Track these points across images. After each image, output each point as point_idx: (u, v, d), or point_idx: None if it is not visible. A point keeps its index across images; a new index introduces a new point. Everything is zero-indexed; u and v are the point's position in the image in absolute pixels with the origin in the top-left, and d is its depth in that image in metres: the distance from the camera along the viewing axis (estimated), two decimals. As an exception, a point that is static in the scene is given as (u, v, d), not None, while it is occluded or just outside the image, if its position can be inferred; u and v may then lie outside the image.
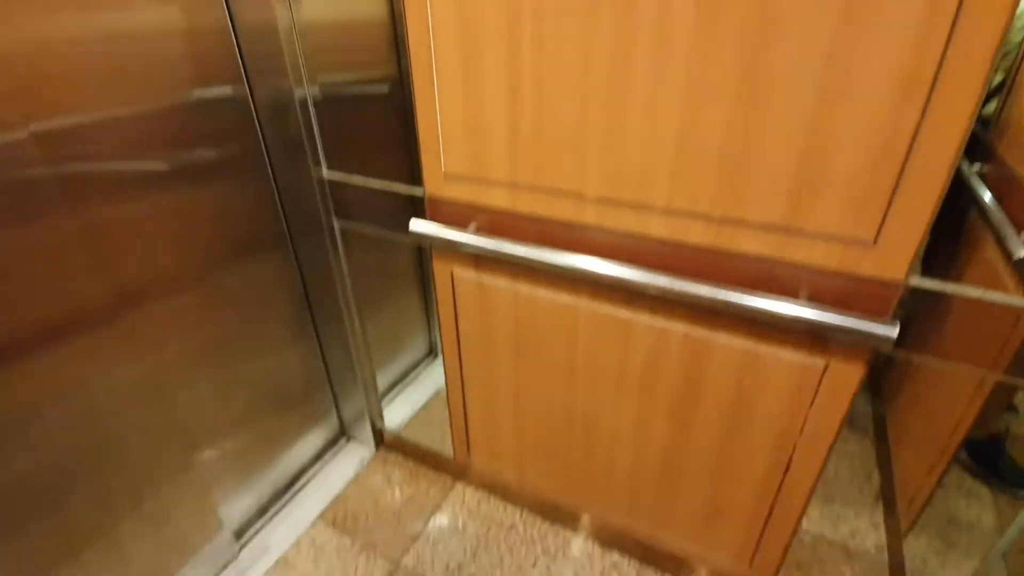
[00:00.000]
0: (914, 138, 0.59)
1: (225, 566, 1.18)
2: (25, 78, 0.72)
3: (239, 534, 1.24)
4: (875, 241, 0.66)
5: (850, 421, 1.54)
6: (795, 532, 0.95)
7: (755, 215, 0.70)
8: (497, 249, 0.87)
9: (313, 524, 1.27)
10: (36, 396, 0.80)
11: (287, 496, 1.34)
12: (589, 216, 0.82)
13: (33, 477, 0.82)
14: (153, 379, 0.97)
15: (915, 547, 1.16)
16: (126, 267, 0.90)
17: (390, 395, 1.61)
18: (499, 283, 0.97)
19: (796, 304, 0.70)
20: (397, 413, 1.53)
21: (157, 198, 0.92)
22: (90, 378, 0.87)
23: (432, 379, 1.68)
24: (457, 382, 1.16)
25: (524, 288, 0.95)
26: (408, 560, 1.19)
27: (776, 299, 0.70)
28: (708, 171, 0.71)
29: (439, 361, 1.76)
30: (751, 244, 0.72)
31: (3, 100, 0.70)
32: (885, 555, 1.18)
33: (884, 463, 1.41)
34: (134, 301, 0.93)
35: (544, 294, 0.93)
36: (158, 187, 0.91)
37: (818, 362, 0.76)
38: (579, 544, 1.22)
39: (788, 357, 0.77)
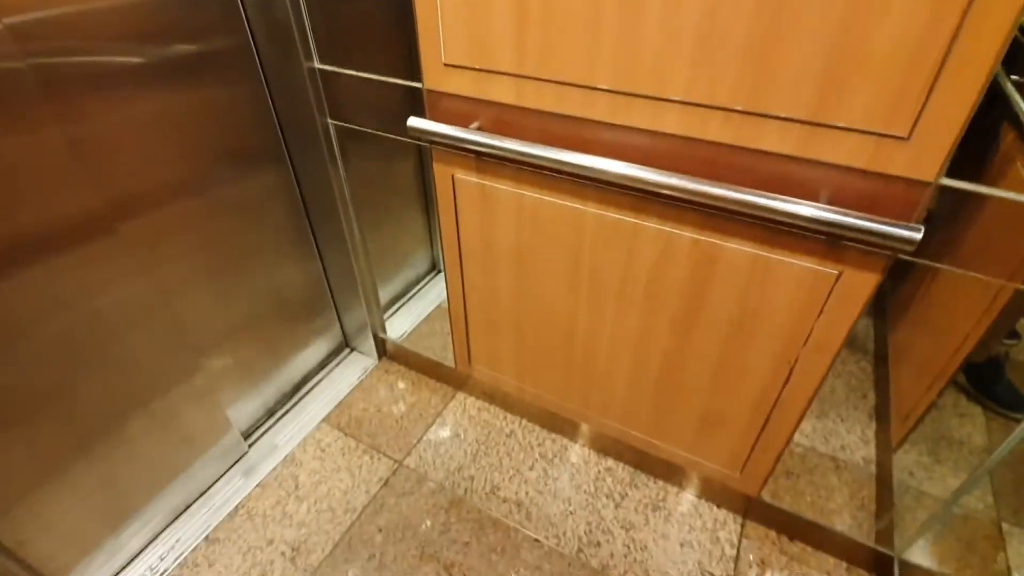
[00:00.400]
0: (957, 31, 0.53)
1: (235, 463, 1.23)
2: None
3: (247, 434, 1.28)
4: (908, 137, 0.60)
5: (850, 342, 1.54)
6: (788, 443, 0.96)
7: (780, 108, 0.65)
8: (501, 147, 0.82)
9: (319, 427, 1.31)
10: (38, 304, 0.79)
11: (293, 401, 1.38)
12: (600, 111, 0.76)
13: (41, 377, 0.82)
14: (155, 287, 0.95)
15: (904, 461, 1.19)
16: (116, 174, 0.86)
17: (392, 309, 1.61)
18: (502, 187, 0.93)
19: (817, 206, 0.66)
20: (399, 325, 1.53)
21: (143, 98, 0.86)
22: (92, 286, 0.86)
23: (434, 294, 1.68)
24: (458, 291, 1.15)
25: (528, 192, 0.91)
26: (410, 461, 1.23)
27: (796, 202, 0.66)
28: (732, 59, 0.64)
29: (441, 277, 1.75)
30: (773, 141, 0.67)
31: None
32: (873, 468, 1.22)
33: (881, 383, 1.42)
34: (129, 211, 0.90)
35: (548, 198, 0.89)
36: (143, 85, 0.86)
37: (831, 270, 0.73)
38: (576, 451, 1.26)
39: (800, 264, 0.74)
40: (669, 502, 1.15)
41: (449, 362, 1.36)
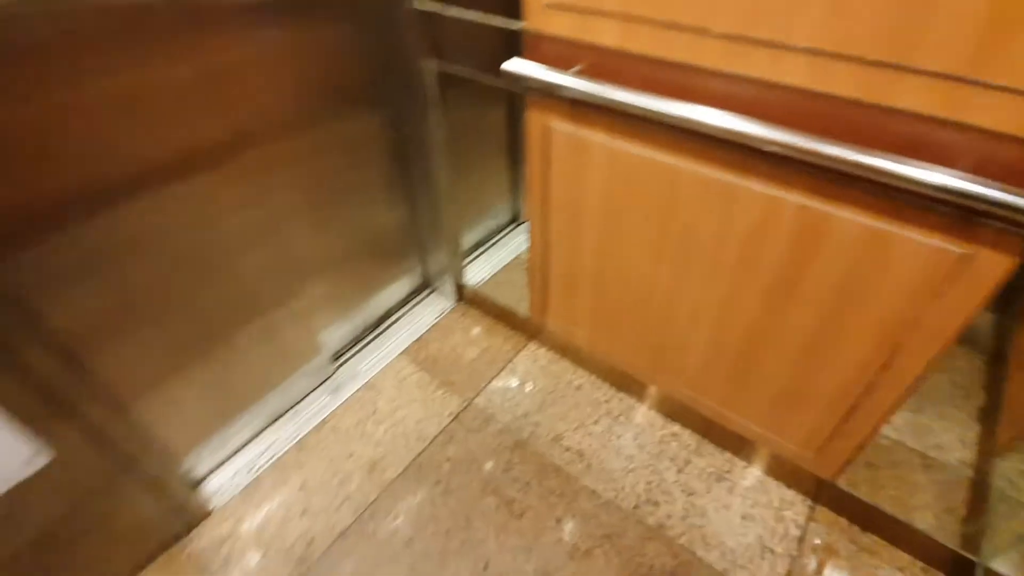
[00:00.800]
0: None
1: (322, 383, 1.34)
2: None
3: (335, 358, 1.39)
4: (1087, 100, 0.52)
5: (964, 333, 1.39)
6: (875, 432, 0.91)
7: (927, 60, 0.57)
8: (601, 95, 0.80)
9: (397, 359, 1.40)
10: (169, 222, 0.88)
11: (376, 332, 1.47)
12: (712, 57, 0.71)
13: (171, 286, 0.93)
14: (268, 215, 1.03)
15: (1006, 469, 1.09)
16: (237, 108, 0.92)
17: (472, 256, 1.65)
18: (596, 138, 0.90)
19: (956, 174, 0.59)
20: (477, 272, 1.57)
21: (259, 35, 0.91)
22: (215, 210, 0.94)
23: (513, 245, 1.69)
24: (540, 243, 1.15)
25: (624, 145, 0.88)
26: (480, 400, 1.29)
27: (932, 168, 0.60)
28: (878, 1, 0.57)
29: (521, 230, 1.75)
30: (911, 98, 0.60)
31: None
32: (968, 471, 1.12)
33: (994, 383, 1.28)
34: (247, 142, 0.96)
35: (644, 152, 0.86)
36: (260, 23, 0.90)
37: (958, 249, 0.66)
38: (642, 412, 1.25)
39: (922, 241, 0.68)
40: (735, 474, 1.13)
41: (524, 312, 1.38)
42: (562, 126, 0.94)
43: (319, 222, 1.18)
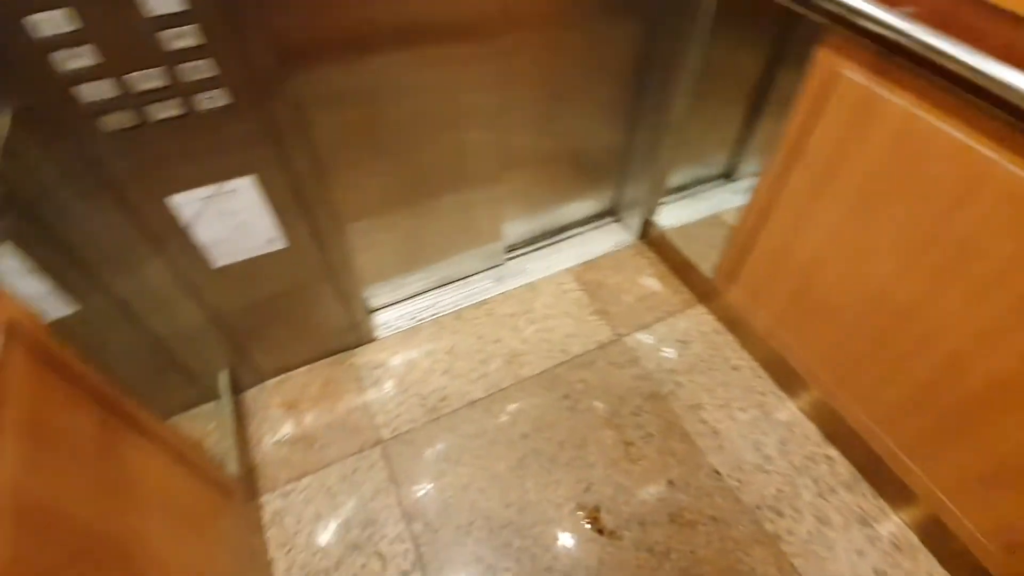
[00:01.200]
0: None
1: (491, 268, 1.41)
2: None
3: (508, 250, 1.44)
4: None
5: None
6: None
7: None
8: (937, 48, 0.65)
9: (564, 272, 1.41)
10: (417, 79, 0.94)
11: (552, 240, 1.49)
12: None
13: (402, 137, 1.01)
14: (501, 98, 1.05)
15: None
16: None
17: (669, 198, 1.56)
18: (897, 101, 0.75)
19: None
20: (669, 216, 1.48)
21: None
22: (456, 82, 0.98)
23: (715, 201, 1.56)
24: (763, 204, 1.04)
25: (930, 119, 0.72)
26: (629, 341, 1.26)
27: None
28: None
29: (730, 187, 1.60)
30: None
31: None
32: None
33: None
34: (505, 23, 0.96)
35: (957, 136, 0.70)
36: None
37: None
38: (800, 421, 1.14)
39: None
40: (883, 526, 1.00)
41: (706, 271, 1.29)
42: (856, 76, 0.79)
43: (539, 118, 1.18)
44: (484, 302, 1.34)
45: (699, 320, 1.31)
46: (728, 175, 1.63)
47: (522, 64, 1.06)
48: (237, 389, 1.16)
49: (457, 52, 0.95)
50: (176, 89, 0.71)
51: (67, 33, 0.62)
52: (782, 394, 1.18)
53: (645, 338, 1.27)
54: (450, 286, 1.37)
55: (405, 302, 1.34)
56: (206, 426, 1.09)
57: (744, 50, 1.29)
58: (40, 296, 0.79)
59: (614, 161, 1.40)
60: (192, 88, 0.72)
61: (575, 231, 1.52)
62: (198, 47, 0.69)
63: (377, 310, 1.32)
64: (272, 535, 0.98)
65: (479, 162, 1.15)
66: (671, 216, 1.48)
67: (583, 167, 1.38)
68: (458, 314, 1.31)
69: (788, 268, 1.04)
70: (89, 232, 0.79)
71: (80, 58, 0.64)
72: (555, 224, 1.49)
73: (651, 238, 1.48)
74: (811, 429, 1.12)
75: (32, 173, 0.71)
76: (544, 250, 1.47)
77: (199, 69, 0.71)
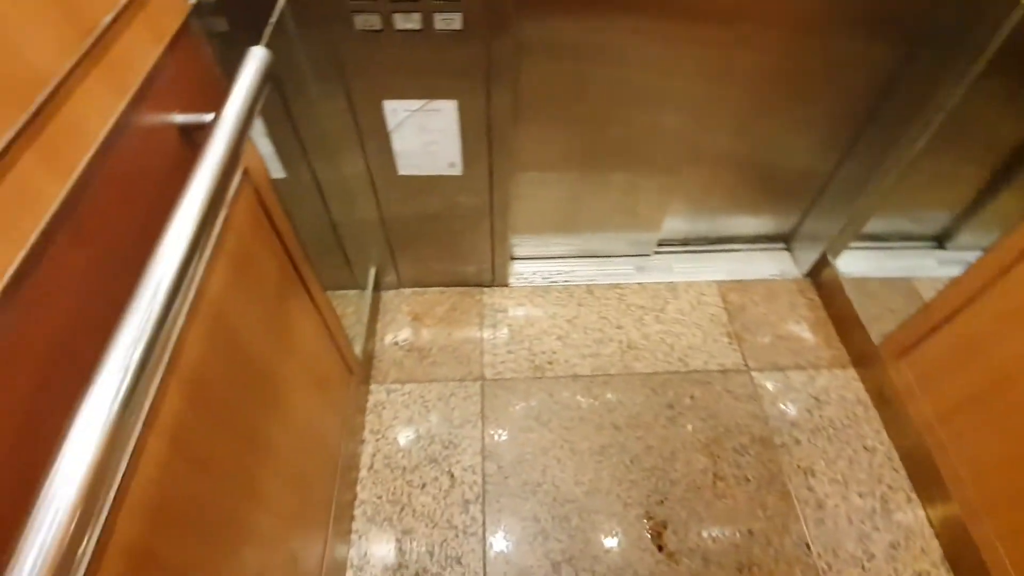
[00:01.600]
0: None
1: (638, 255, 1.37)
2: None
3: (661, 243, 1.39)
4: None
5: None
6: None
7: None
8: None
9: (709, 282, 1.33)
10: (634, 48, 0.91)
11: (707, 247, 1.41)
12: None
13: (596, 96, 1.00)
14: (707, 89, 0.98)
15: None
16: None
17: (857, 244, 1.38)
18: None
19: None
20: (850, 262, 1.32)
21: None
22: (675, 62, 0.93)
23: (911, 264, 1.35)
24: (975, 287, 0.88)
25: None
26: (756, 375, 1.17)
27: None
28: None
29: (935, 253, 1.38)
30: None
31: None
32: None
33: None
34: (745, 14, 0.90)
35: None
36: None
37: None
38: (922, 527, 0.99)
39: None
40: None
41: (874, 336, 1.14)
42: None
43: (741, 120, 1.10)
44: (619, 286, 1.32)
45: (845, 383, 1.18)
46: (940, 240, 1.40)
47: (745, 60, 0.98)
48: (378, 286, 1.28)
49: (682, 31, 0.91)
50: (421, 3, 0.77)
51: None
52: (913, 495, 1.03)
53: (776, 380, 1.17)
54: (592, 259, 1.37)
55: (545, 260, 1.36)
56: (346, 308, 1.23)
57: (1014, 106, 1.07)
58: (265, 156, 0.92)
59: (808, 185, 1.27)
60: (434, 7, 0.77)
61: (736, 245, 1.42)
62: (452, -31, 0.74)
63: (518, 259, 1.36)
64: (369, 420, 1.09)
65: (664, 148, 1.11)
66: (853, 263, 1.32)
67: (770, 182, 1.27)
68: (590, 288, 1.31)
69: (978, 365, 0.88)
70: (314, 114, 0.90)
71: (357, -42, 0.71)
72: (717, 231, 1.40)
73: (821, 279, 1.34)
74: (933, 545, 0.97)
75: (288, 51, 0.82)
76: (697, 254, 1.40)
77: (444, -14, 0.75)
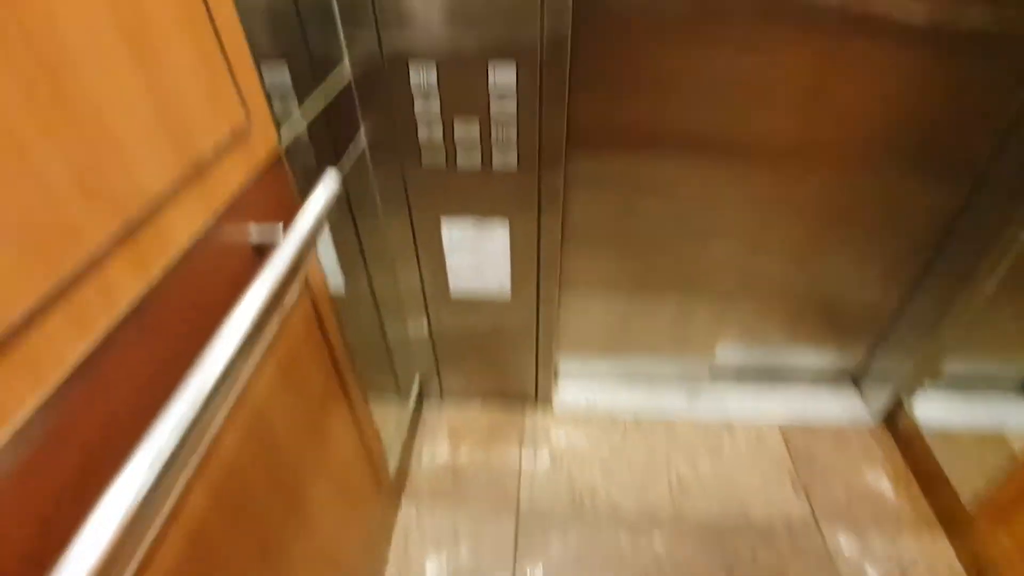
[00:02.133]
0: None
1: (690, 383, 1.31)
2: None
3: (714, 373, 1.33)
4: None
5: None
6: None
7: None
8: None
9: (771, 424, 1.24)
10: (681, 180, 0.96)
11: (766, 381, 1.33)
12: None
13: (649, 223, 1.03)
14: (761, 217, 1.01)
15: None
16: (820, 117, 0.89)
17: (936, 388, 1.26)
18: None
19: None
20: (929, 409, 1.20)
21: (907, 60, 0.82)
22: (721, 190, 0.97)
23: (1000, 414, 1.21)
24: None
25: None
26: (828, 534, 1.03)
27: None
28: None
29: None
30: None
31: None
32: None
33: None
34: (804, 152, 0.93)
35: None
36: (901, 44, 0.81)
37: None
38: None
39: None
40: None
41: (965, 497, 0.99)
42: None
43: (795, 249, 1.09)
44: (669, 416, 1.25)
45: (936, 552, 1.01)
46: (1034, 390, 1.26)
47: (795, 194, 1.00)
48: (421, 397, 1.28)
49: (731, 167, 0.95)
50: (482, 144, 0.85)
51: (429, 84, 0.80)
52: None
53: (852, 542, 1.02)
54: (640, 384, 1.32)
55: (591, 381, 1.32)
56: (386, 418, 1.22)
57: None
58: (327, 267, 0.99)
59: (873, 320, 1.21)
60: (492, 146, 0.85)
61: (798, 381, 1.33)
62: (510, 114, 0.82)
63: (562, 378, 1.33)
64: (395, 543, 1.03)
65: (715, 275, 1.11)
66: (934, 410, 1.20)
67: (830, 314, 1.22)
68: (637, 417, 1.25)
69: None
70: (378, 231, 0.98)
71: (429, 103, 0.82)
72: (777, 364, 1.33)
73: (898, 427, 1.21)
74: None
75: (362, 177, 0.91)
76: (755, 387, 1.32)
77: (502, 132, 0.84)
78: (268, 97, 0.82)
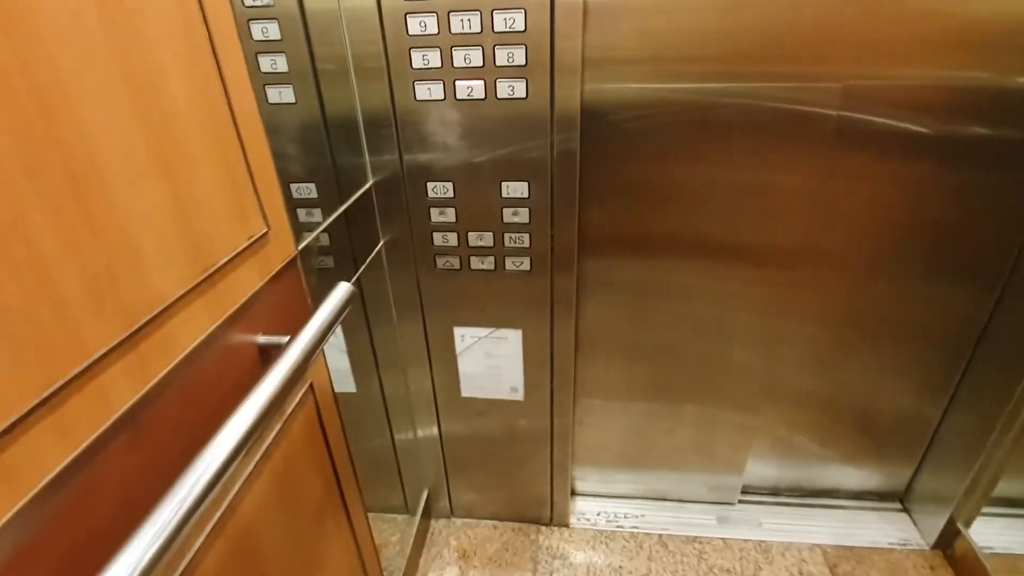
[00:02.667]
0: None
1: (718, 503, 1.21)
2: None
3: (746, 491, 1.23)
4: None
5: None
6: None
7: None
8: None
9: (812, 546, 1.12)
10: (702, 287, 0.96)
11: (804, 501, 1.22)
12: None
13: (663, 329, 1.02)
14: (782, 325, 0.99)
15: None
16: (837, 225, 0.91)
17: (993, 510, 1.14)
18: None
19: None
20: (987, 533, 1.07)
21: (914, 169, 0.85)
22: (740, 298, 0.97)
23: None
24: None
25: None
26: None
27: None
28: None
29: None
30: None
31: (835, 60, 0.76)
32: None
33: None
34: (825, 259, 0.94)
35: None
36: (920, 156, 0.84)
37: None
38: None
39: None
40: None
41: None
42: None
43: (820, 359, 1.06)
44: (697, 539, 1.14)
45: None
46: (1110, 515, 1.13)
47: (812, 299, 0.99)
48: (428, 512, 1.20)
49: (744, 272, 0.95)
50: (495, 250, 0.88)
51: (445, 197, 0.85)
52: None
53: None
54: (664, 503, 1.22)
55: (611, 499, 1.23)
56: (391, 535, 1.14)
57: None
58: (340, 372, 0.99)
59: (914, 434, 1.13)
60: (505, 252, 0.88)
61: (840, 501, 1.22)
62: (523, 224, 0.86)
63: (580, 495, 1.25)
64: None
65: (737, 384, 1.06)
66: (993, 535, 1.08)
67: (866, 428, 1.15)
68: (663, 540, 1.14)
69: None
70: (391, 335, 0.98)
71: (445, 215, 0.86)
72: (813, 482, 1.23)
73: (954, 552, 1.08)
74: None
75: (378, 283, 0.94)
76: (792, 508, 1.21)
77: (516, 239, 0.87)
78: (295, 209, 0.87)
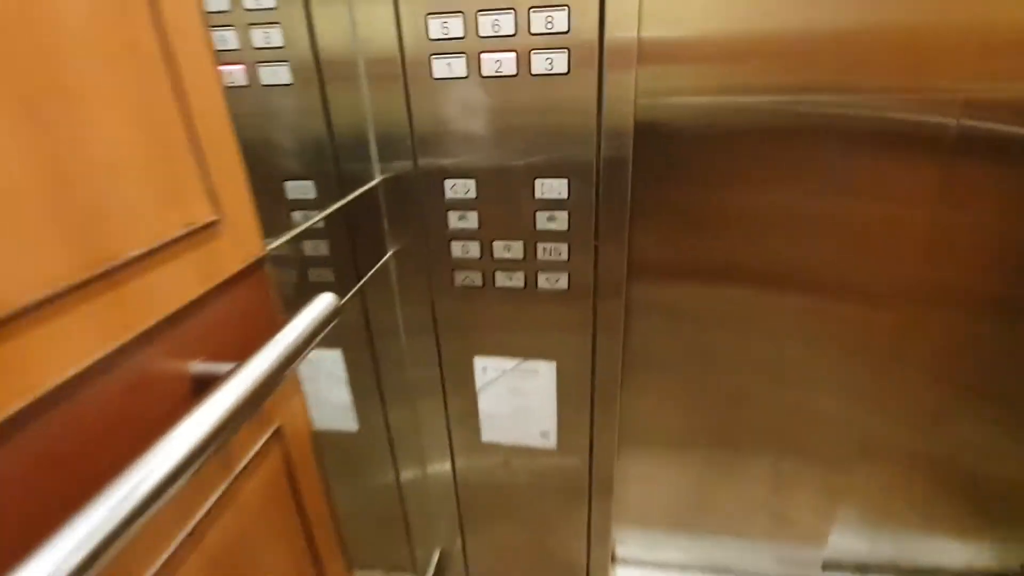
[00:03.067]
0: None
1: (797, 572, 1.00)
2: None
3: (828, 567, 1.01)
4: None
5: None
6: None
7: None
8: None
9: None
10: (764, 319, 0.78)
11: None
12: None
13: (723, 366, 0.84)
14: (867, 370, 0.80)
15: None
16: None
17: None
18: None
19: None
20: None
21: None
22: (815, 337, 0.78)
23: None
24: None
25: None
26: None
27: None
28: None
29: None
30: None
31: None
32: None
33: None
34: (901, 297, 0.75)
35: None
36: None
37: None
38: None
39: None
40: None
41: None
42: None
43: (919, 412, 0.85)
44: (770, 627, 0.92)
45: None
46: None
47: (915, 342, 0.79)
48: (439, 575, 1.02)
49: (837, 311, 0.76)
50: (526, 264, 0.72)
51: (466, 198, 0.70)
52: None
53: None
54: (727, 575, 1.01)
55: (658, 569, 1.03)
56: (396, 603, 0.96)
57: None
58: (339, 406, 0.84)
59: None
60: (538, 266, 0.72)
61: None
62: (560, 232, 0.70)
63: (621, 563, 1.05)
64: None
65: (822, 437, 0.86)
66: None
67: (981, 495, 0.92)
68: (725, 625, 0.93)
69: None
70: (400, 365, 0.83)
71: (466, 219, 0.71)
72: (913, 559, 1.00)
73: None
74: None
75: (386, 302, 0.79)
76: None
77: (551, 251, 0.71)
78: (290, 212, 0.72)
